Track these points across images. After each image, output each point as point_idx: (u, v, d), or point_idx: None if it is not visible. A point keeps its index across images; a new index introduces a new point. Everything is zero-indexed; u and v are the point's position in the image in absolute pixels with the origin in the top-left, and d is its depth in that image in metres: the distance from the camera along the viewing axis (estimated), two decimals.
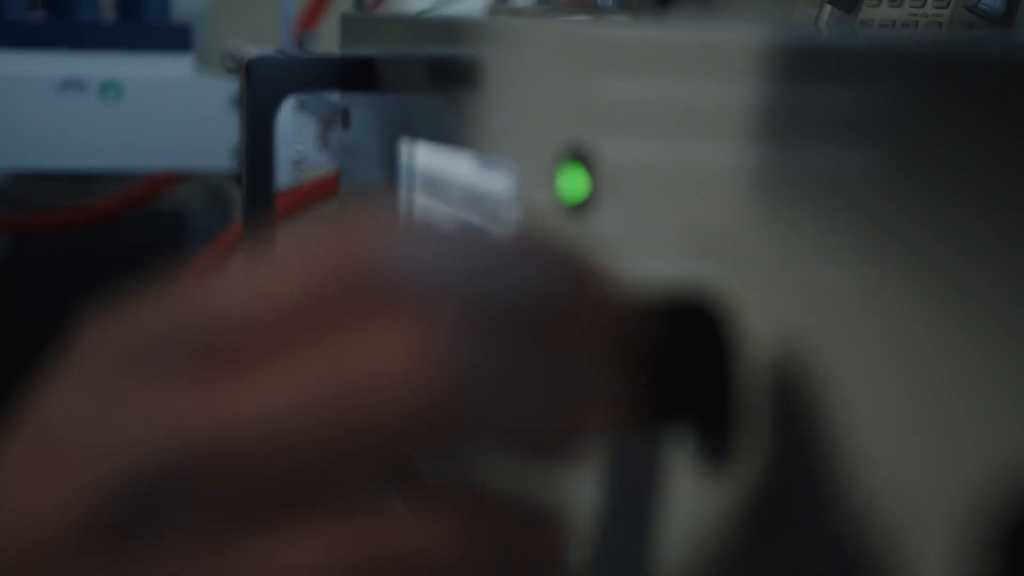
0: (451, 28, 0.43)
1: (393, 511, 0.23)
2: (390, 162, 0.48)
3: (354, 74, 0.49)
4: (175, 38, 1.53)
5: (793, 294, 0.28)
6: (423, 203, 0.47)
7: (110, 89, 1.42)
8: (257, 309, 0.23)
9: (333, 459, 0.22)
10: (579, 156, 0.35)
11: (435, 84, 0.44)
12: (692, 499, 0.31)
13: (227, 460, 0.22)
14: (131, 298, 0.24)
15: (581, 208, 0.35)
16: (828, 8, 0.53)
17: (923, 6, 0.50)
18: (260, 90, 0.48)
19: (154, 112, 1.44)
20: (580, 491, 0.36)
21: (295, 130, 1.29)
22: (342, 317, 0.23)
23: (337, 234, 0.24)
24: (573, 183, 0.36)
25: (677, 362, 0.29)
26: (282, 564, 0.23)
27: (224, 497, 0.23)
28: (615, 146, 0.34)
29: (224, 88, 1.43)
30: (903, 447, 0.25)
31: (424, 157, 0.46)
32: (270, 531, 0.23)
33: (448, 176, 0.45)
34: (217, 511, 0.23)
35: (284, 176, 0.93)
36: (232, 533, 0.23)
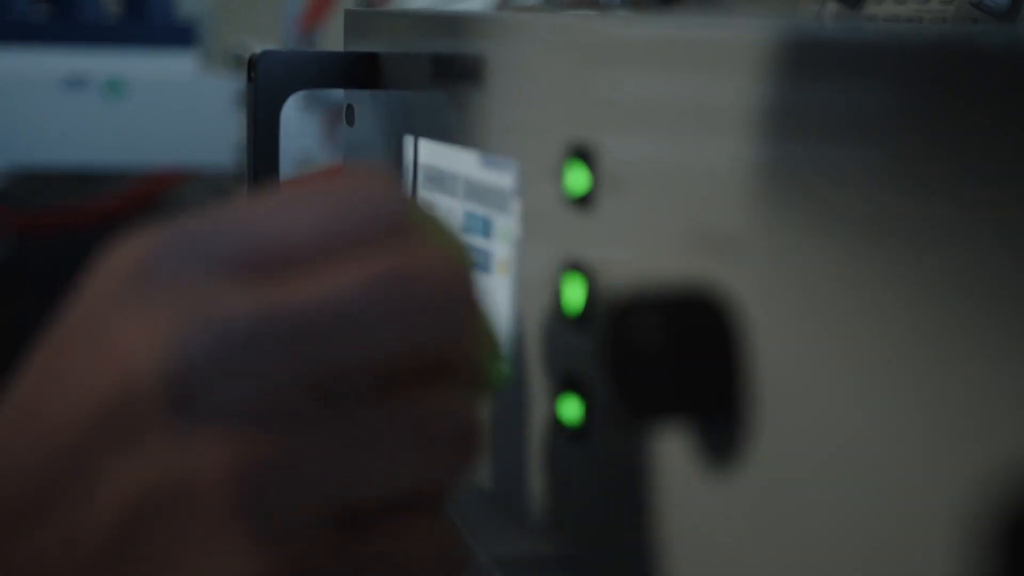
0: (455, 24, 0.43)
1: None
2: (394, 158, 0.48)
3: (358, 70, 0.49)
4: (179, 35, 1.53)
5: (795, 291, 0.28)
6: (427, 199, 0.47)
7: (114, 87, 1.42)
8: (293, 229, 0.27)
9: (407, 336, 0.27)
10: (582, 152, 0.35)
11: (439, 80, 0.44)
12: (695, 495, 0.31)
13: (310, 334, 0.26)
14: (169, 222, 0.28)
15: (584, 204, 0.35)
16: (831, 4, 0.53)
17: (927, 2, 0.50)
18: (265, 86, 0.48)
19: (157, 109, 1.44)
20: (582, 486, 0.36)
21: (299, 128, 1.29)
22: (375, 237, 0.27)
23: (353, 179, 0.29)
24: (576, 179, 0.36)
25: (680, 358, 0.29)
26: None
27: (298, 371, 0.26)
28: (618, 142, 0.34)
29: (227, 86, 1.43)
30: (904, 445, 0.25)
31: (428, 153, 0.46)
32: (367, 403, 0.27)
33: (452, 172, 0.45)
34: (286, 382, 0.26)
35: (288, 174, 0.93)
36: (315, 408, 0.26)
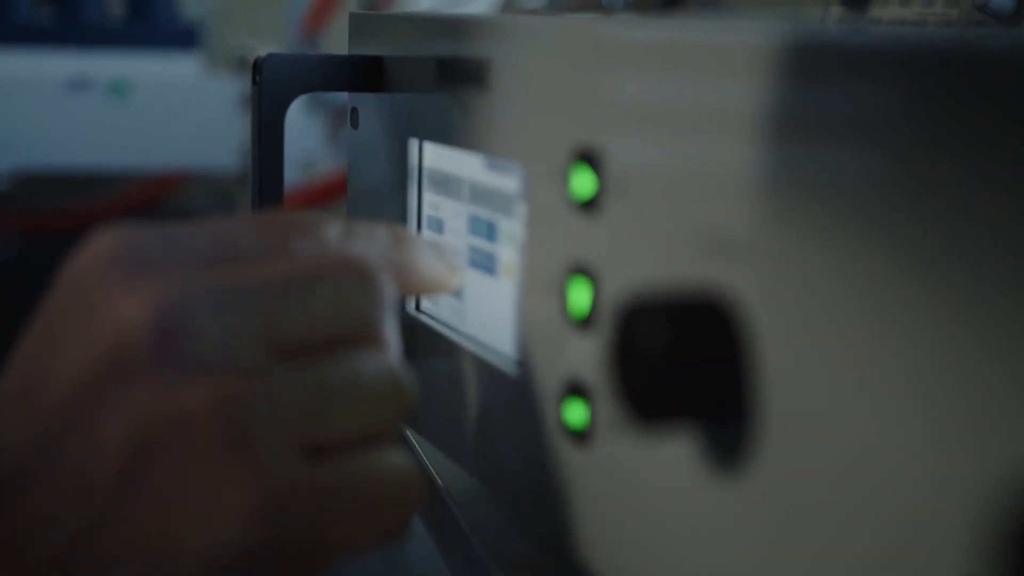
0: (459, 27, 0.43)
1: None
2: (399, 161, 0.48)
3: (363, 73, 0.49)
4: (183, 37, 1.53)
5: (801, 294, 0.28)
6: (432, 202, 0.47)
7: (117, 88, 1.42)
8: (238, 235, 0.35)
9: (328, 304, 0.34)
10: (588, 156, 0.35)
11: (444, 83, 0.44)
12: (701, 500, 0.31)
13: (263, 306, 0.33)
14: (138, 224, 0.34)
15: (590, 208, 0.35)
16: (836, 7, 0.53)
17: (932, 5, 0.50)
18: (269, 89, 0.48)
19: (161, 111, 1.44)
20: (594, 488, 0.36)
21: (303, 131, 1.29)
22: (299, 243, 0.35)
23: (284, 212, 0.38)
24: (582, 183, 0.36)
25: (686, 362, 0.29)
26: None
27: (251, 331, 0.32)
28: (624, 146, 0.34)
29: (231, 88, 1.43)
30: (911, 447, 0.25)
31: (433, 156, 0.46)
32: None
33: (457, 176, 0.45)
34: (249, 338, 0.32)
35: (291, 177, 0.93)
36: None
